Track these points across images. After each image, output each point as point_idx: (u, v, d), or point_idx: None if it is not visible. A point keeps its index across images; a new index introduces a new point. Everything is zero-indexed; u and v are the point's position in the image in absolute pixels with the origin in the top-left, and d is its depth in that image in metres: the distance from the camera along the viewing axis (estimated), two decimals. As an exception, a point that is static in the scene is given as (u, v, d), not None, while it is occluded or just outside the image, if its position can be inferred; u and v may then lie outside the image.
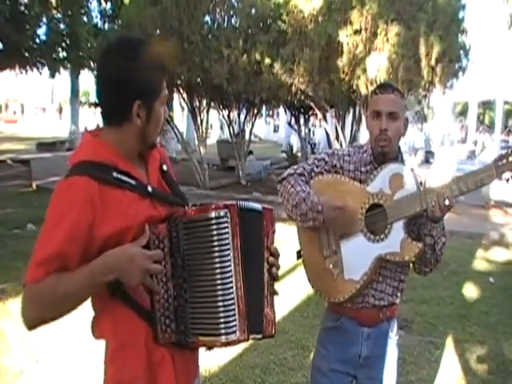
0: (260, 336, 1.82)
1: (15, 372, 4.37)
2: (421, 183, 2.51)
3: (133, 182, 1.81)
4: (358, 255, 2.48)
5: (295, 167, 2.65)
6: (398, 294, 2.61)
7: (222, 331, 1.70)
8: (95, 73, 1.88)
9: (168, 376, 1.84)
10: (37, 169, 15.92)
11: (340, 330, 2.63)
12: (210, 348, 1.82)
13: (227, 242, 1.71)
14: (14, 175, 16.12)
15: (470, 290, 7.17)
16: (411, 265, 2.61)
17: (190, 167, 15.50)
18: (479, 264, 8.70)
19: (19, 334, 5.03)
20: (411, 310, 6.17)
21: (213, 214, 1.72)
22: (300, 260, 2.72)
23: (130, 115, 1.78)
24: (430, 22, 11.71)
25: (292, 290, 6.25)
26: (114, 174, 1.76)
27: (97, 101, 1.87)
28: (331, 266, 2.54)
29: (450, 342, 5.37)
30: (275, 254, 1.92)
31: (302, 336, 5.26)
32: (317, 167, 2.61)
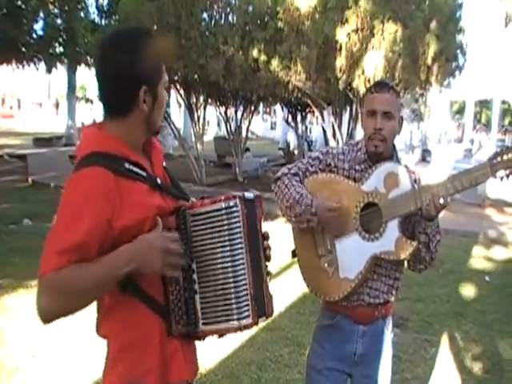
0: (264, 318, 1.88)
1: (11, 368, 4.36)
2: (415, 181, 2.51)
3: (143, 173, 1.83)
4: (352, 254, 2.48)
5: (290, 167, 2.65)
6: (393, 292, 2.61)
7: (235, 317, 1.77)
8: (96, 67, 1.87)
9: (180, 367, 1.88)
10: (33, 164, 15.92)
11: (335, 327, 2.62)
12: (221, 335, 1.87)
13: (238, 230, 1.78)
14: (10, 170, 16.10)
15: (466, 289, 7.19)
16: (406, 262, 2.61)
17: (186, 163, 15.50)
18: (475, 262, 8.72)
19: (16, 329, 5.04)
20: (407, 307, 6.18)
21: (223, 205, 1.79)
22: (296, 258, 2.73)
23: (136, 104, 1.80)
24: (427, 21, 11.73)
25: (288, 287, 6.25)
26: (126, 165, 1.77)
27: (98, 94, 1.87)
28: (326, 264, 2.54)
29: (445, 340, 5.38)
30: (266, 237, 1.98)
31: (298, 333, 5.26)
32: (311, 166, 2.61)
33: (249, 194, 1.89)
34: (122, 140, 1.81)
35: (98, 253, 1.68)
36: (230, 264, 1.78)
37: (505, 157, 2.29)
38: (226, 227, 1.78)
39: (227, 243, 1.78)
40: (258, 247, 1.91)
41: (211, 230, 1.80)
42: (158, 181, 1.89)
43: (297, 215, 2.48)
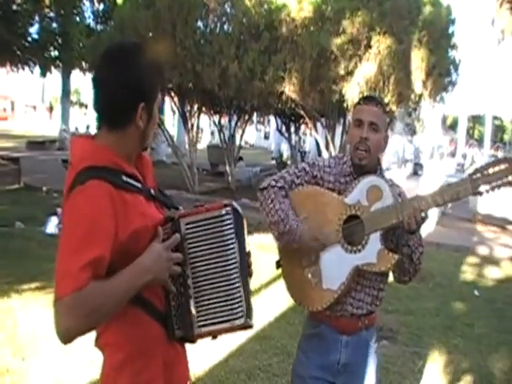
0: (251, 322, 1.94)
1: (1, 370, 4.33)
2: (399, 195, 2.55)
3: (139, 185, 1.87)
4: (335, 265, 2.51)
5: (276, 178, 2.66)
6: (377, 303, 2.64)
7: (230, 318, 1.86)
8: (97, 76, 1.88)
9: (182, 370, 1.98)
10: (26, 167, 15.87)
11: (319, 337, 2.65)
12: (214, 337, 1.95)
13: (231, 236, 1.87)
14: (3, 173, 16.02)
15: (456, 303, 7.22)
16: (392, 274, 2.64)
17: (179, 171, 15.49)
18: (465, 277, 8.76)
19: (6, 332, 5.02)
20: (396, 320, 6.20)
21: (216, 213, 1.88)
22: (280, 269, 2.76)
23: (134, 119, 1.82)
24: (421, 36, 11.83)
25: (278, 297, 6.26)
26: (124, 178, 1.80)
27: (95, 104, 1.87)
28: (310, 275, 2.57)
29: (434, 353, 5.40)
30: (249, 254, 2.03)
31: (287, 342, 5.27)
32: (297, 178, 2.64)
33: (237, 206, 1.96)
34: (116, 152, 1.83)
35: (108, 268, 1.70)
36: (222, 268, 1.86)
37: (485, 172, 2.33)
38: (218, 234, 1.86)
39: (220, 249, 1.87)
40: (245, 256, 1.96)
41: (204, 237, 1.88)
42: (152, 192, 1.95)
43: (279, 233, 2.53)
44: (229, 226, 1.87)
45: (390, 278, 2.65)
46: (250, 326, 1.91)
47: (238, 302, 1.86)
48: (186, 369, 2.01)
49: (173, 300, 1.89)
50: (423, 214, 2.38)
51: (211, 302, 1.87)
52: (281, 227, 2.50)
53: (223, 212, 1.87)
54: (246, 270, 1.94)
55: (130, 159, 1.90)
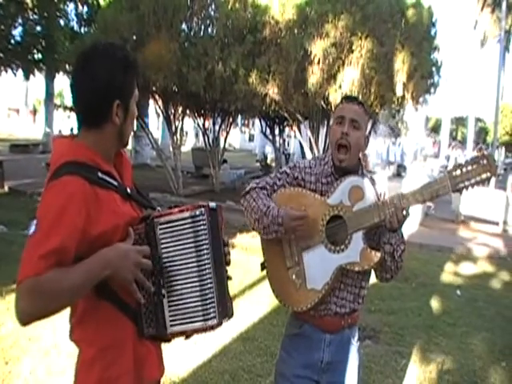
0: (227, 319, 1.98)
1: (-16, 373, 4.34)
2: (380, 195, 2.59)
3: (115, 182, 1.91)
4: (319, 266, 2.55)
5: (257, 181, 2.71)
6: (360, 301, 2.68)
7: (202, 318, 1.88)
8: (72, 77, 1.93)
9: (153, 367, 1.99)
10: (9, 170, 15.78)
11: (303, 336, 2.69)
12: (187, 336, 1.97)
13: (204, 237, 1.89)
14: (-15, 176, 15.95)
15: (438, 302, 7.28)
16: (374, 272, 2.68)
17: (164, 174, 15.48)
18: (447, 277, 8.83)
19: (-12, 335, 5.02)
20: (379, 320, 6.25)
21: (190, 214, 1.89)
22: (265, 270, 2.78)
23: (110, 116, 1.88)
24: (403, 39, 11.92)
25: (262, 299, 6.31)
26: (99, 175, 1.85)
27: (73, 104, 1.94)
28: (294, 276, 2.61)
29: (416, 352, 5.46)
30: (226, 243, 2.09)
31: (270, 343, 5.30)
32: (279, 180, 2.69)
33: (212, 204, 1.99)
34: (94, 150, 1.88)
35: (75, 257, 1.74)
36: (196, 269, 1.89)
37: (464, 169, 2.36)
38: (191, 234, 1.89)
39: (193, 249, 1.89)
40: (220, 253, 2.00)
41: (178, 238, 1.91)
42: (128, 190, 1.98)
43: (265, 227, 2.55)
44: (202, 227, 1.89)
45: (373, 279, 2.69)
46: (220, 324, 1.92)
47: (210, 303, 1.88)
48: (158, 367, 2.02)
49: (143, 298, 1.90)
50: (404, 212, 2.43)
51: (183, 301, 1.90)
52: (264, 220, 2.53)
53: (197, 213, 1.89)
54: (221, 269, 1.97)
55: (109, 157, 1.95)
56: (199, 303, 1.87)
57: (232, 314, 2.04)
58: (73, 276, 1.70)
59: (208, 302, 1.88)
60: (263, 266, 2.77)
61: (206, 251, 1.89)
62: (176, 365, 4.64)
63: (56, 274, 1.66)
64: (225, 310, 1.96)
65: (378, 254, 2.47)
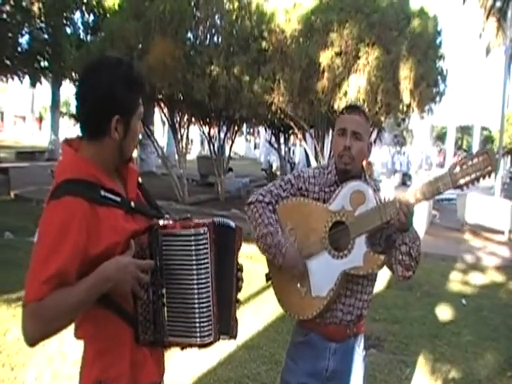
0: (227, 338, 1.99)
1: (-11, 380, 4.35)
2: (384, 198, 2.59)
3: (118, 199, 1.92)
4: (323, 272, 2.55)
5: (263, 193, 2.71)
6: (366, 307, 2.68)
7: (198, 334, 1.88)
8: (77, 87, 1.95)
9: (150, 373, 1.99)
10: (16, 178, 15.83)
11: (308, 344, 2.69)
12: (183, 348, 1.98)
13: (204, 256, 1.88)
14: (-8, 183, 16.01)
15: (442, 311, 7.26)
16: (394, 272, 2.64)
17: (169, 182, 15.50)
18: (452, 286, 8.81)
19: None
20: (384, 329, 6.24)
21: (192, 231, 1.89)
22: (270, 282, 2.79)
23: (109, 130, 1.88)
24: (409, 47, 11.93)
25: (267, 307, 6.31)
26: (102, 193, 1.86)
27: (76, 114, 1.96)
28: (299, 285, 2.61)
29: (420, 361, 5.44)
30: (240, 269, 2.11)
31: (275, 351, 5.30)
32: (283, 191, 2.69)
33: (227, 221, 2.00)
34: (95, 163, 1.89)
35: (77, 276, 1.78)
36: (195, 286, 1.88)
37: (464, 166, 2.35)
38: (193, 252, 1.88)
39: (194, 267, 1.88)
40: (230, 272, 2.02)
41: (180, 252, 1.91)
42: (132, 204, 1.99)
43: (265, 244, 2.58)
44: (202, 246, 1.87)
45: (377, 288, 2.69)
46: (217, 340, 1.93)
47: (206, 321, 1.87)
48: (155, 371, 2.02)
49: (141, 307, 1.92)
50: (407, 209, 2.41)
51: (180, 316, 1.90)
52: (269, 240, 2.56)
53: (200, 231, 1.88)
54: (225, 288, 1.98)
55: (109, 170, 1.96)
56: (196, 320, 1.87)
57: (235, 335, 2.05)
58: (74, 295, 1.75)
59: (204, 320, 1.87)
60: (268, 277, 2.77)
61: (204, 269, 1.88)
62: (181, 373, 4.64)
63: (58, 295, 1.71)
64: (225, 328, 1.97)
65: (382, 257, 2.47)
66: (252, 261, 7.12)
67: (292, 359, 2.75)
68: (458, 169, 2.36)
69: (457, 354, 5.73)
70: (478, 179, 2.35)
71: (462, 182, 2.36)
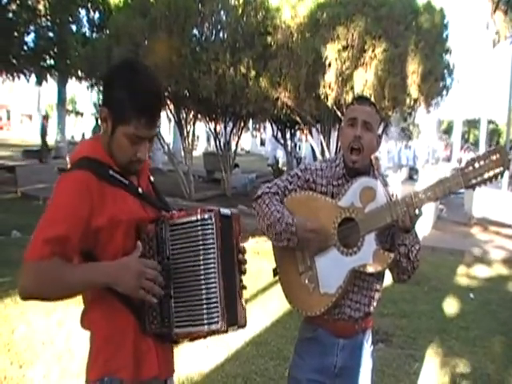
0: (236, 327, 1.98)
1: (-2, 377, 4.37)
2: (392, 195, 2.58)
3: (126, 181, 1.98)
4: (332, 269, 2.52)
5: (269, 185, 2.69)
6: (374, 304, 2.66)
7: (206, 321, 1.88)
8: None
9: (152, 365, 2.00)
10: (22, 176, 15.88)
11: (316, 340, 2.67)
12: (192, 339, 2.00)
13: (211, 241, 1.90)
14: (-1, 182, 16.07)
15: (450, 305, 7.25)
16: (390, 274, 2.66)
17: (175, 178, 15.51)
18: (460, 280, 8.80)
19: (3, 340, 5.04)
20: (392, 323, 6.23)
21: (199, 217, 1.90)
22: (277, 277, 2.76)
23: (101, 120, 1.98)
24: (416, 41, 11.88)
25: (274, 302, 6.31)
26: (110, 172, 1.94)
27: None
28: (307, 281, 2.58)
29: (429, 356, 5.44)
30: (243, 251, 2.10)
31: (283, 347, 5.30)
32: (290, 184, 2.66)
33: (225, 211, 2.01)
34: (106, 150, 1.98)
35: (82, 252, 1.89)
36: (202, 272, 1.89)
37: (476, 165, 2.32)
38: (200, 237, 1.90)
39: (201, 252, 1.89)
40: (232, 261, 2.02)
41: (187, 240, 1.92)
42: (140, 190, 2.04)
43: (277, 233, 2.52)
44: (210, 231, 1.89)
45: (385, 281, 2.68)
46: (225, 331, 1.92)
47: (214, 307, 1.87)
48: (158, 366, 2.01)
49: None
50: (417, 211, 2.40)
51: (189, 303, 1.91)
52: (277, 227, 2.50)
53: (206, 216, 1.90)
54: (231, 276, 1.98)
55: (120, 164, 2.00)
56: (204, 306, 1.88)
57: (245, 324, 2.04)
58: (72, 274, 1.83)
59: (212, 306, 1.87)
60: (275, 272, 2.75)
61: (212, 255, 1.89)
62: (189, 369, 4.65)
63: (58, 266, 1.79)
64: (233, 317, 1.96)
65: (392, 255, 2.45)
66: (259, 256, 7.13)
67: (299, 355, 2.74)
68: (469, 168, 2.33)
69: (465, 348, 5.73)
70: (490, 179, 2.32)
71: (473, 181, 2.33)
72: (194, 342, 2.02)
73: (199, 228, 1.90)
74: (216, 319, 1.87)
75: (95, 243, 1.90)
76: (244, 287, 2.09)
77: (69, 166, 1.97)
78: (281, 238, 2.52)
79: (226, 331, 1.91)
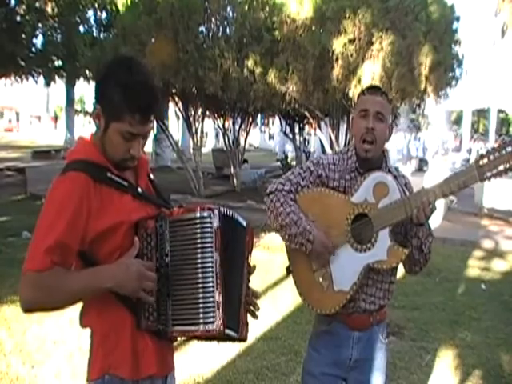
0: (235, 335, 1.97)
1: (11, 378, 4.39)
2: (406, 185, 2.56)
3: (125, 183, 1.96)
4: (346, 266, 2.51)
5: (282, 182, 2.65)
6: (389, 297, 2.66)
7: (201, 321, 1.86)
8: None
9: (150, 362, 1.99)
10: (32, 177, 15.96)
11: (331, 333, 2.66)
12: (189, 338, 2.02)
13: (209, 240, 1.87)
14: (9, 183, 16.16)
15: (462, 297, 7.23)
16: (402, 266, 2.64)
17: (184, 175, 15.53)
18: (471, 271, 8.76)
19: (15, 340, 5.07)
20: (403, 316, 6.22)
21: (198, 214, 1.89)
22: (290, 275, 2.75)
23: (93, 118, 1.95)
24: (425, 32, 11.80)
25: (285, 297, 6.31)
26: (108, 174, 1.91)
27: None
28: (321, 279, 2.57)
29: (441, 348, 5.42)
30: (252, 270, 2.12)
31: (294, 342, 5.30)
32: (303, 179, 2.63)
33: (236, 216, 2.02)
34: (102, 151, 1.96)
35: (82, 256, 1.86)
36: (200, 270, 1.87)
37: (491, 157, 2.29)
38: (198, 235, 1.88)
39: (199, 250, 1.88)
40: (238, 269, 2.03)
41: (186, 237, 1.91)
42: (139, 190, 2.02)
43: (291, 235, 2.50)
44: (208, 229, 1.87)
45: (398, 274, 2.67)
46: (222, 332, 1.87)
47: (210, 307, 1.85)
48: (156, 363, 2.00)
49: (144, 291, 1.91)
50: (431, 206, 2.38)
51: (186, 301, 1.89)
52: (293, 229, 2.49)
53: (205, 214, 1.88)
54: (233, 280, 1.97)
55: (115, 161, 1.98)
56: (201, 305, 1.86)
57: (245, 337, 2.06)
58: (72, 281, 1.80)
59: (209, 305, 1.85)
60: (289, 271, 2.73)
61: (210, 254, 1.87)
62: (200, 365, 4.67)
63: (58, 275, 1.76)
64: (233, 323, 1.95)
65: (406, 251, 2.44)
66: (269, 251, 7.12)
67: (315, 349, 2.73)
68: (484, 161, 2.30)
69: (477, 339, 5.71)
70: (505, 172, 2.29)
71: (488, 174, 2.30)
72: (201, 342, 2.03)
73: (198, 226, 1.88)
74: (212, 319, 1.85)
75: (92, 244, 1.88)
76: (255, 307, 2.15)
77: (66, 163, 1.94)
78: (294, 241, 2.51)
79: (224, 333, 1.87)
